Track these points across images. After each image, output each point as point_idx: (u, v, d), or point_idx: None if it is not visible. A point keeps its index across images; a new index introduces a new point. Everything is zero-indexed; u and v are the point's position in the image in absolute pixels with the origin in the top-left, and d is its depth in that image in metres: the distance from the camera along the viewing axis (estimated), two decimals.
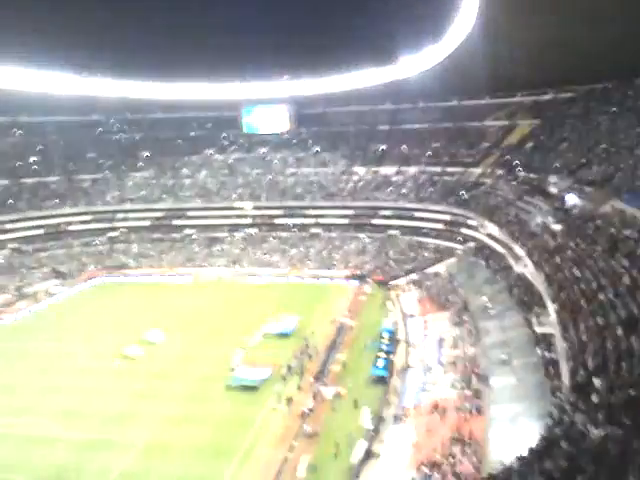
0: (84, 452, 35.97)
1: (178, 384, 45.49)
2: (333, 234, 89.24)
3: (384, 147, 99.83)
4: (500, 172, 76.29)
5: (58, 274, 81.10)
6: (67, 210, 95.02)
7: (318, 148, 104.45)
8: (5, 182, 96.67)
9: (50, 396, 44.12)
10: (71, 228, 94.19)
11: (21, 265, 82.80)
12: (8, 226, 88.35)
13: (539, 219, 51.61)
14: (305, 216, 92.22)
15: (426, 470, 29.00)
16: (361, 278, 74.30)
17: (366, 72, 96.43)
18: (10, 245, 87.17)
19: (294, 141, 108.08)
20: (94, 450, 36.17)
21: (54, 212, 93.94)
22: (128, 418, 40.15)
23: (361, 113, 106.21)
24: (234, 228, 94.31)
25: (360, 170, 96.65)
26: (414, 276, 70.03)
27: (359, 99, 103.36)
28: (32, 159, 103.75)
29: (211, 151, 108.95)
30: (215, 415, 40.05)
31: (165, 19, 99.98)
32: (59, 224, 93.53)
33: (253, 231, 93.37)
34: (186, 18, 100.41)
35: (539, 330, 36.98)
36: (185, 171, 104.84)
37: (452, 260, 70.31)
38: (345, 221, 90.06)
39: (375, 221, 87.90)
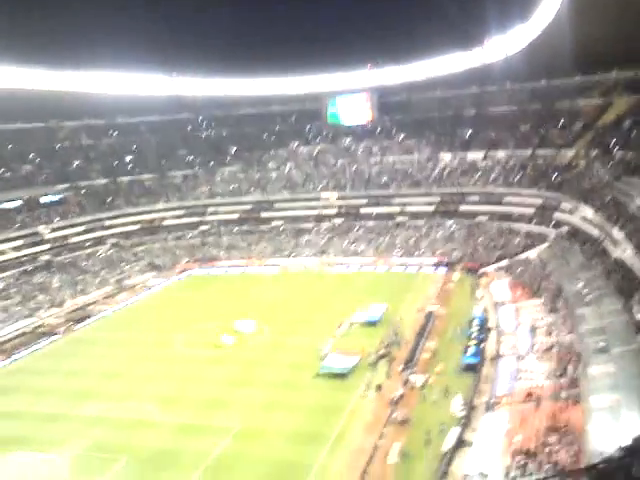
0: (181, 436, 37.47)
1: (269, 372, 46.51)
2: (419, 222, 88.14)
3: (470, 132, 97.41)
4: (595, 152, 72.62)
5: (154, 267, 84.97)
6: (161, 206, 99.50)
7: (402, 136, 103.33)
8: (104, 181, 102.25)
9: (149, 382, 46.40)
10: (165, 223, 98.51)
11: (120, 259, 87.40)
12: (107, 222, 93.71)
13: (639, 200, 48.85)
14: (390, 204, 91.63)
15: (521, 459, 28.30)
16: (449, 265, 73.17)
17: (450, 57, 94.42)
18: (110, 240, 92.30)
19: (378, 130, 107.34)
20: (191, 434, 37.62)
21: (149, 208, 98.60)
22: (223, 404, 41.49)
23: (446, 98, 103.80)
24: (320, 218, 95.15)
25: (446, 156, 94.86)
26: (504, 263, 68.20)
27: (443, 84, 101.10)
28: (128, 158, 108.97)
29: (296, 144, 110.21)
30: (306, 402, 40.66)
31: (247, 15, 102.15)
32: (154, 219, 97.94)
33: (339, 221, 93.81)
34: (267, 13, 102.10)
35: None
36: (271, 164, 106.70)
37: (544, 245, 67.76)
38: (431, 208, 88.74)
39: (463, 208, 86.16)
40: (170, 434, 37.82)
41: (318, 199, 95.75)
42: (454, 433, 33.53)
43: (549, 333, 44.10)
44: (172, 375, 47.51)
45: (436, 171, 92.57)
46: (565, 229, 67.36)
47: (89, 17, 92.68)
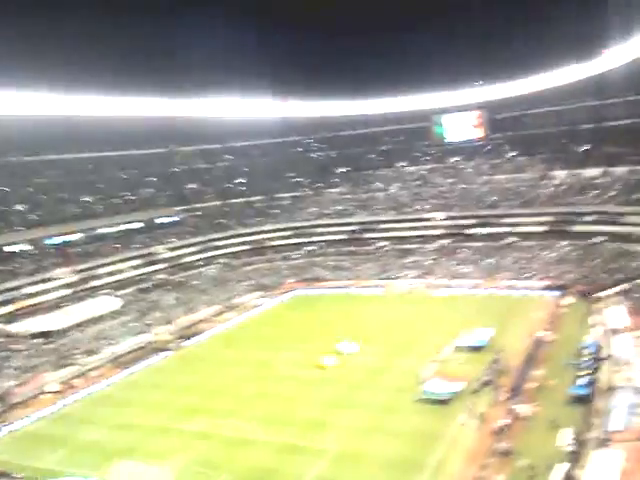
0: (281, 455, 37.92)
1: (370, 394, 46.25)
2: (530, 242, 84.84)
3: (587, 147, 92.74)
4: None
5: (261, 286, 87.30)
6: (269, 227, 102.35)
7: (514, 153, 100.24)
8: (217, 203, 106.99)
9: (253, 401, 47.47)
10: (273, 243, 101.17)
11: (229, 278, 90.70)
12: (218, 243, 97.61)
13: None
14: (500, 225, 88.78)
15: None
16: (561, 289, 69.57)
17: (564, 69, 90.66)
18: (220, 260, 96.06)
19: (488, 147, 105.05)
20: (290, 454, 38.00)
21: (258, 229, 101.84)
22: (322, 425, 41.60)
23: (560, 113, 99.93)
24: (426, 239, 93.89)
25: (560, 174, 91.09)
26: (622, 287, 63.84)
27: (557, 98, 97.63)
28: (239, 181, 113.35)
29: (403, 163, 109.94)
30: (406, 427, 39.91)
31: (355, 39, 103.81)
32: (262, 240, 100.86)
33: (446, 242, 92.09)
34: (374, 35, 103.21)
35: None
36: (378, 185, 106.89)
37: None
38: (543, 228, 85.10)
39: (577, 227, 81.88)
40: (269, 453, 38.36)
41: (424, 219, 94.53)
42: (561, 469, 31.56)
43: None
44: (274, 394, 48.35)
45: (549, 189, 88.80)
46: None
47: (204, 45, 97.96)
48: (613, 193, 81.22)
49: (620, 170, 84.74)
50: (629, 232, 75.09)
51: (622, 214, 76.99)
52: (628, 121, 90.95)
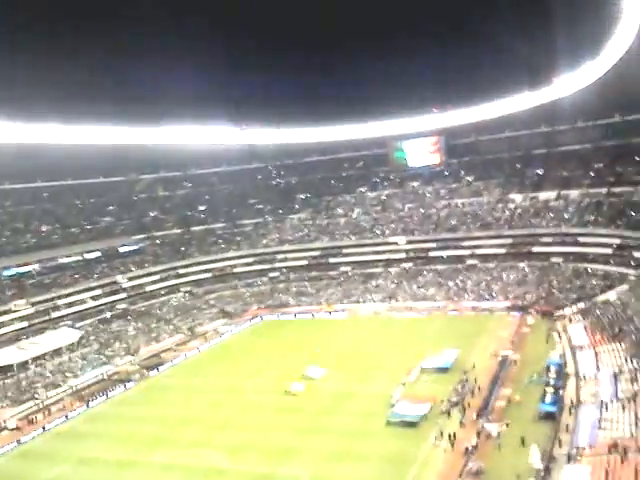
0: None
1: (339, 420, 45.94)
2: (491, 264, 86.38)
3: (541, 172, 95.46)
4: None
5: (225, 314, 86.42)
6: (232, 254, 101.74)
7: (471, 178, 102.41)
8: (177, 231, 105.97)
9: (220, 430, 46.62)
10: (236, 270, 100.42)
11: (193, 306, 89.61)
12: (181, 271, 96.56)
13: None
14: (460, 247, 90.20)
15: None
16: (523, 309, 70.86)
17: (518, 96, 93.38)
18: (183, 288, 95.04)
19: (446, 172, 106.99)
20: None
21: (220, 256, 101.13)
22: (292, 452, 40.99)
23: (515, 138, 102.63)
24: (389, 263, 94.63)
25: (517, 197, 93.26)
26: (581, 305, 65.41)
27: (511, 124, 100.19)
28: (200, 208, 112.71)
29: (363, 189, 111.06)
30: (376, 451, 39.63)
31: (312, 65, 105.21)
32: (225, 267, 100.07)
33: (408, 265, 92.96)
34: (332, 61, 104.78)
35: None
36: (339, 210, 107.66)
37: (624, 287, 64.69)
38: (503, 250, 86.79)
39: (535, 249, 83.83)
40: None
41: (386, 244, 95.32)
42: None
43: (634, 380, 41.58)
44: (242, 423, 47.60)
45: (507, 212, 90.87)
46: None
47: (164, 73, 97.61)
48: (567, 215, 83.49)
49: (573, 193, 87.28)
50: (585, 252, 77.24)
51: (577, 235, 79.21)
52: (578, 146, 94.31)
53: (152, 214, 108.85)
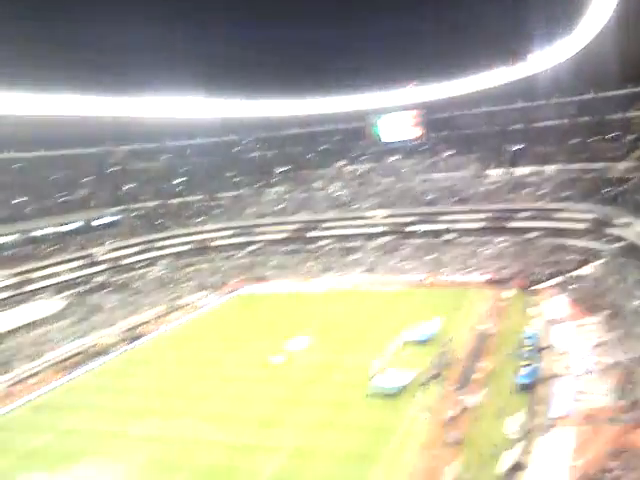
0: (234, 455, 37.74)
1: (321, 391, 46.60)
2: (468, 239, 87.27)
3: (518, 147, 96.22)
4: None
5: (204, 287, 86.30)
6: (210, 226, 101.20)
7: (449, 153, 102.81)
8: (154, 203, 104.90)
9: (202, 401, 46.95)
10: (214, 243, 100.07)
11: (172, 280, 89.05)
12: (159, 244, 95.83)
13: None
14: (438, 222, 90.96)
15: None
16: (500, 283, 72.01)
17: (495, 72, 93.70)
18: (162, 261, 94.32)
19: (424, 147, 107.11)
20: (244, 453, 37.84)
21: (198, 229, 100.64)
22: (275, 423, 41.62)
23: (492, 114, 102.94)
24: (368, 237, 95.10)
25: (494, 172, 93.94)
26: (558, 280, 66.71)
27: (489, 100, 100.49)
28: (177, 181, 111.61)
29: (342, 163, 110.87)
30: (358, 422, 40.43)
31: (290, 37, 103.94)
32: (204, 240, 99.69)
33: (387, 239, 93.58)
34: (310, 33, 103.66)
35: None
36: (317, 184, 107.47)
37: (599, 262, 66.05)
38: (480, 225, 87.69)
39: (512, 224, 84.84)
40: (223, 453, 38.15)
41: (365, 218, 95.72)
42: (509, 456, 32.82)
43: (607, 352, 42.85)
44: (223, 394, 47.95)
45: (484, 187, 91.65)
46: (621, 244, 65.53)
47: (137, 43, 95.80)
48: (543, 191, 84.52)
49: (550, 169, 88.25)
50: (561, 228, 78.45)
51: (554, 210, 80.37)
52: (554, 122, 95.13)
53: (128, 186, 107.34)
